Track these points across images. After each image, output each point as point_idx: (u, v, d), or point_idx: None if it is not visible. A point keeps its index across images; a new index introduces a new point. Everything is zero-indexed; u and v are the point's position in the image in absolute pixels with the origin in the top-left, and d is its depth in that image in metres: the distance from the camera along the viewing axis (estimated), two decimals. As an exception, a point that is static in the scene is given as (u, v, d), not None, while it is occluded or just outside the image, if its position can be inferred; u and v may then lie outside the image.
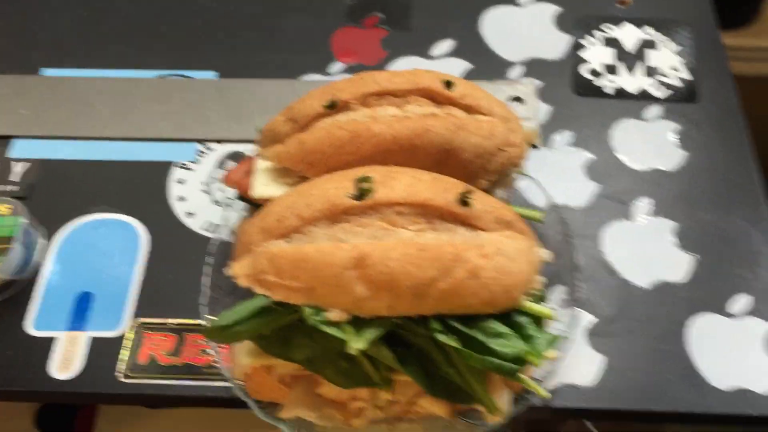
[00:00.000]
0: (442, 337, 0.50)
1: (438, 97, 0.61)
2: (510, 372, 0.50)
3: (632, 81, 0.81)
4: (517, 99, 0.80)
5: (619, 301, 0.66)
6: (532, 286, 0.53)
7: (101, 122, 0.80)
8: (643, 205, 0.72)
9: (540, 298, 0.55)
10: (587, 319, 0.66)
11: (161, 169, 0.77)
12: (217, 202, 0.74)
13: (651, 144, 0.76)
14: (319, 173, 0.59)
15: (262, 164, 0.63)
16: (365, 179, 0.52)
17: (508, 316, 0.52)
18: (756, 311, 0.65)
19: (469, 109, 0.62)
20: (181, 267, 0.70)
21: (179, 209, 0.74)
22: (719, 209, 0.71)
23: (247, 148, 0.77)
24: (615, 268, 0.68)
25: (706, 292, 0.67)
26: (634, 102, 0.79)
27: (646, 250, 0.69)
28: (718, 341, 0.64)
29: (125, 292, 0.68)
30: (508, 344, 0.50)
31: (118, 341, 0.66)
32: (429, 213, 0.52)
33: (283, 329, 0.52)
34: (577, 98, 0.80)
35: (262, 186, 0.61)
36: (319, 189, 0.53)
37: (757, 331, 0.64)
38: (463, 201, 0.52)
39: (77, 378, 0.64)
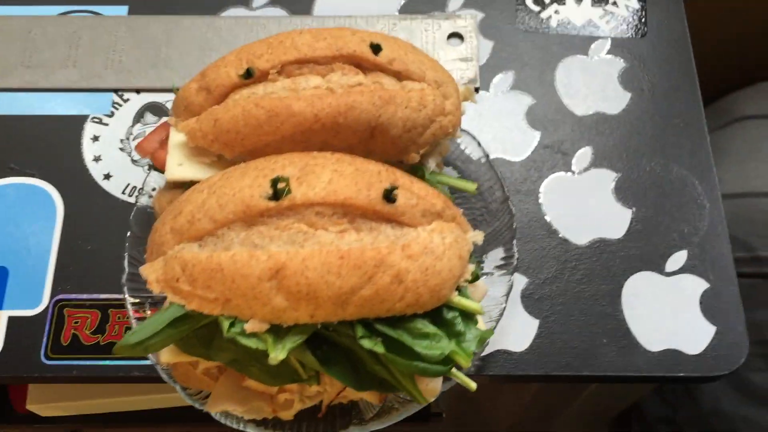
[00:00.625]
0: (366, 342, 0.48)
1: (364, 63, 0.56)
2: (437, 374, 0.48)
3: (579, 11, 0.76)
4: (457, 35, 0.75)
5: (557, 262, 0.65)
6: (463, 279, 0.51)
7: None
8: (583, 155, 0.69)
9: (476, 276, 0.53)
10: (523, 282, 0.64)
11: (73, 124, 0.71)
12: (135, 162, 0.69)
13: (595, 85, 0.72)
14: (235, 153, 0.55)
15: (176, 137, 0.58)
16: (281, 179, 0.48)
17: (437, 311, 0.50)
18: (693, 268, 0.64)
19: (398, 75, 0.57)
20: (101, 236, 0.66)
21: (95, 171, 0.69)
22: (661, 157, 0.69)
23: (166, 98, 0.72)
24: (553, 225, 0.66)
25: (643, 249, 0.65)
26: (579, 38, 0.74)
27: (585, 205, 0.67)
28: (653, 301, 0.63)
29: (43, 267, 0.65)
30: (434, 346, 0.48)
31: (38, 319, 0.63)
32: (351, 212, 0.48)
33: (203, 330, 0.50)
34: (521, 33, 0.75)
35: (177, 166, 0.57)
36: (232, 187, 0.49)
37: (693, 289, 0.64)
38: (388, 197, 0.49)
39: (-2, 361, 0.62)
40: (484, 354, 0.60)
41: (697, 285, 0.64)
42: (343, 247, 0.47)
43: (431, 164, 0.60)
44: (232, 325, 0.47)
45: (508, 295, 0.60)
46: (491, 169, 0.65)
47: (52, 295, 0.64)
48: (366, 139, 0.55)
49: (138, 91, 0.72)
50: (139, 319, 0.58)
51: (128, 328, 0.62)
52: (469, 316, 0.51)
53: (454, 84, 0.59)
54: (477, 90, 0.72)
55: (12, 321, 0.63)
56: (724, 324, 0.62)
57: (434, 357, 0.48)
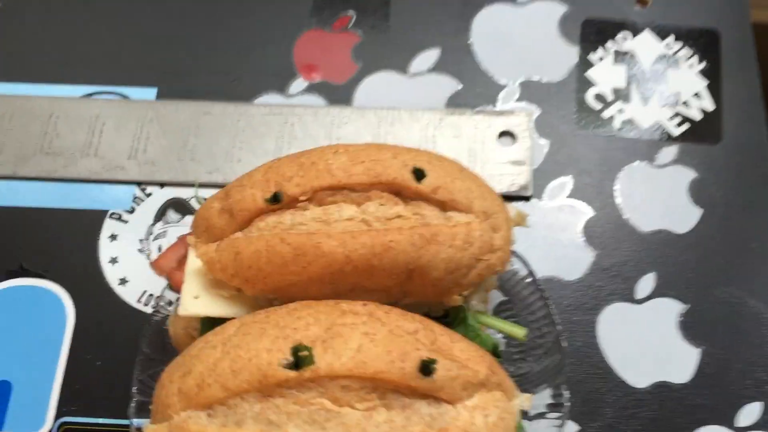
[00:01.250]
0: None
1: (405, 191, 0.50)
2: None
3: (646, 112, 0.68)
4: (509, 134, 0.68)
5: (612, 408, 0.58)
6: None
7: (11, 156, 0.68)
8: (646, 281, 0.62)
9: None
10: (573, 430, 0.57)
11: (91, 219, 0.66)
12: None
13: (661, 198, 0.65)
14: (257, 290, 0.50)
15: (194, 262, 0.52)
16: (303, 348, 0.42)
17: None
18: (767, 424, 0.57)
19: (442, 206, 0.50)
20: (112, 351, 0.61)
21: (111, 274, 0.64)
22: (734, 287, 0.62)
23: (190, 195, 0.66)
24: (610, 363, 0.59)
25: (712, 398, 0.58)
26: (645, 142, 0.67)
27: (647, 341, 0.60)
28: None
29: (49, 383, 0.60)
30: None
31: (40, 447, 0.58)
32: (382, 387, 0.42)
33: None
34: (580, 132, 0.68)
35: (192, 299, 0.51)
36: (248, 349, 0.43)
37: (771, 448, 0.56)
38: (425, 369, 0.42)
39: (-6, 491, 0.56)
40: None
41: (773, 443, 0.56)
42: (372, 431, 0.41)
43: (475, 303, 0.54)
44: None
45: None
46: (542, 299, 0.58)
47: (57, 417, 0.58)
48: (402, 281, 0.49)
49: (162, 185, 0.67)
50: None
51: (135, 462, 0.57)
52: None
53: (504, 213, 0.52)
54: (529, 198, 0.65)
55: (12, 446, 0.58)
56: (804, 495, 0.54)
57: None
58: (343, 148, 0.52)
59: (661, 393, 0.58)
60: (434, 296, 0.50)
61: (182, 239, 0.55)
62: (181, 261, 0.55)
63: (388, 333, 0.44)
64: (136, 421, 0.54)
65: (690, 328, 0.60)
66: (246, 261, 0.49)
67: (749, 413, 0.57)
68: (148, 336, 0.58)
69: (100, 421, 0.59)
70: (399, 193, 0.50)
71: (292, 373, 0.42)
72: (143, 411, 0.55)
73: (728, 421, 0.57)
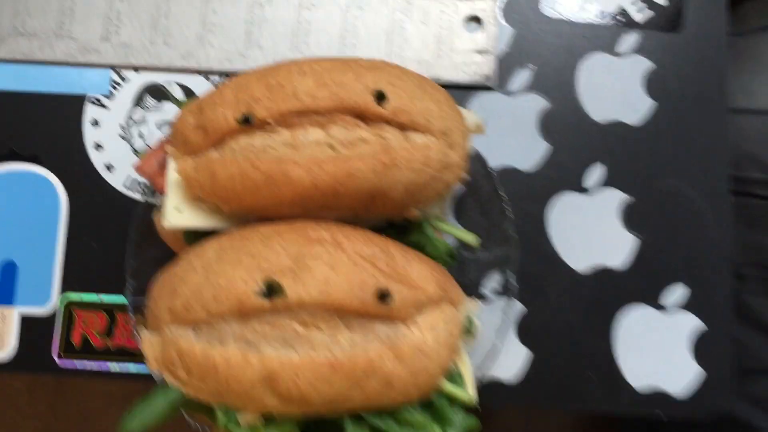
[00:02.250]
0: (354, 433, 0.51)
1: (367, 114, 0.53)
2: (420, 462, 0.52)
3: (612, -4, 0.69)
4: (476, 19, 0.69)
5: (555, 290, 0.65)
6: (453, 365, 0.52)
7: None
8: (596, 172, 0.67)
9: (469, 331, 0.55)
10: (519, 310, 0.65)
11: (72, 104, 0.69)
12: (136, 152, 0.68)
13: (618, 88, 0.68)
14: (232, 209, 0.55)
15: (174, 174, 0.57)
16: (274, 281, 0.48)
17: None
18: (690, 305, 0.65)
19: (403, 127, 0.54)
20: (105, 234, 0.67)
21: (97, 161, 0.68)
22: (676, 179, 0.67)
23: (165, 79, 0.69)
24: (557, 249, 0.66)
25: (643, 282, 0.65)
26: (608, 28, 0.69)
27: (592, 229, 0.66)
28: (646, 339, 0.65)
29: (51, 262, 0.66)
30: (418, 437, 0.51)
31: (49, 320, 0.66)
32: (344, 312, 0.49)
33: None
34: (545, 20, 0.69)
35: (175, 212, 0.56)
36: (226, 277, 0.49)
37: (688, 328, 0.65)
38: (381, 296, 0.49)
39: (14, 359, 0.65)
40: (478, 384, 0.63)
41: (692, 324, 0.65)
42: (335, 351, 0.48)
43: (432, 211, 0.59)
44: (226, 415, 0.50)
45: (502, 333, 0.62)
46: (497, 193, 0.63)
47: (61, 294, 0.66)
48: (366, 202, 0.54)
49: (137, 69, 0.69)
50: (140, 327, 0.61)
51: (134, 335, 0.65)
52: (457, 402, 0.53)
53: (461, 128, 0.56)
54: (492, 88, 0.68)
55: (24, 319, 0.65)
56: (713, 369, 0.64)
57: (418, 448, 0.51)
58: (308, 67, 0.55)
59: (599, 276, 0.65)
60: (395, 212, 0.55)
61: (161, 144, 0.59)
62: (162, 165, 0.59)
63: (349, 263, 0.50)
64: (131, 303, 0.62)
65: (631, 217, 0.66)
66: (221, 183, 0.53)
67: (674, 295, 0.65)
68: (137, 224, 0.63)
69: (100, 297, 0.66)
70: (362, 116, 0.54)
71: (266, 302, 0.48)
72: (137, 293, 0.62)
73: (656, 301, 0.65)
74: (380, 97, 0.53)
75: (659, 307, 0.65)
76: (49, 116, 0.68)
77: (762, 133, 0.86)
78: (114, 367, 0.65)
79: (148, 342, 0.51)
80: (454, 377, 0.53)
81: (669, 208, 0.66)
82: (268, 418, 0.50)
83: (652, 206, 0.66)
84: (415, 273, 0.51)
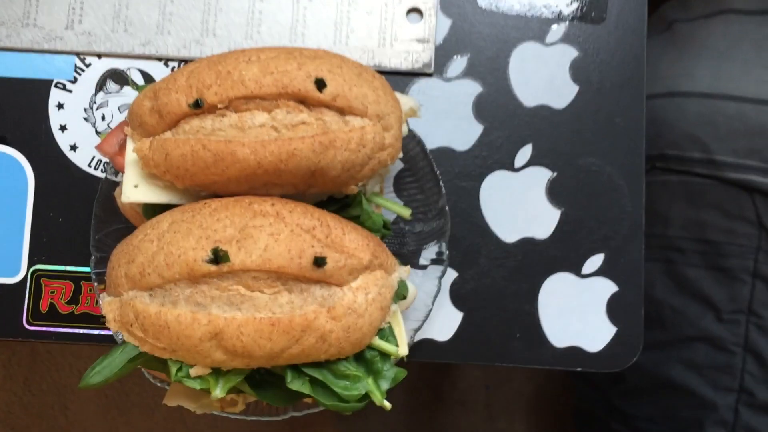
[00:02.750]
0: (294, 384, 0.57)
1: (309, 100, 0.59)
2: (352, 410, 0.58)
3: (542, -12, 0.75)
4: (416, 10, 0.75)
5: (486, 259, 0.72)
6: (384, 323, 0.58)
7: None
8: (524, 151, 0.73)
9: (402, 297, 0.61)
10: (452, 276, 0.71)
11: (38, 88, 0.73)
12: (99, 134, 0.73)
13: (546, 75, 0.74)
14: (185, 185, 0.60)
15: (132, 154, 0.62)
16: (221, 249, 0.54)
17: (359, 352, 0.58)
18: (606, 272, 0.72)
19: (341, 111, 0.60)
20: (70, 210, 0.72)
21: (62, 141, 0.73)
22: (596, 157, 0.73)
23: (127, 65, 0.74)
24: (488, 222, 0.72)
25: (565, 251, 0.72)
26: (538, 20, 0.75)
27: (519, 203, 0.72)
28: (566, 301, 0.71)
29: (20, 237, 0.71)
30: (353, 387, 0.57)
31: (18, 288, 0.71)
32: (284, 277, 0.55)
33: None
34: (480, 12, 0.75)
35: (133, 188, 0.61)
36: (178, 246, 0.55)
37: (603, 291, 0.71)
38: (317, 262, 0.55)
39: (-16, 324, 0.70)
40: (412, 343, 0.69)
41: (607, 288, 0.71)
42: (276, 311, 0.54)
43: (372, 186, 0.65)
44: (179, 369, 0.56)
45: (435, 297, 0.68)
46: (432, 171, 0.69)
47: (29, 265, 0.71)
48: (307, 179, 0.59)
49: (99, 56, 0.74)
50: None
51: (98, 301, 0.70)
52: (387, 356, 0.59)
53: (397, 112, 0.62)
54: (431, 74, 0.74)
55: (-5, 288, 0.71)
56: (624, 325, 0.71)
57: (352, 397, 0.57)
58: (255, 56, 0.60)
59: (525, 246, 0.72)
60: (334, 188, 0.61)
61: (120, 125, 0.64)
62: (122, 146, 0.64)
63: (289, 233, 0.55)
64: (95, 272, 0.67)
65: (555, 192, 0.72)
66: (174, 162, 0.59)
67: (593, 262, 0.72)
68: (100, 201, 0.68)
69: (66, 268, 0.71)
70: (303, 101, 0.59)
71: (213, 268, 0.54)
72: (100, 264, 0.67)
73: (576, 269, 0.72)
74: (320, 83, 0.59)
75: (579, 273, 0.71)
76: (17, 100, 0.73)
77: (702, 114, 0.92)
78: (78, 331, 0.70)
79: (107, 305, 0.57)
80: (386, 334, 0.59)
81: (589, 184, 0.72)
82: (217, 371, 0.56)
83: (574, 182, 0.72)
84: (349, 242, 0.57)
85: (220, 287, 0.54)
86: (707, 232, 0.94)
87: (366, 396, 0.58)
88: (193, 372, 0.55)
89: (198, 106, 0.58)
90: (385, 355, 0.59)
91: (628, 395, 0.98)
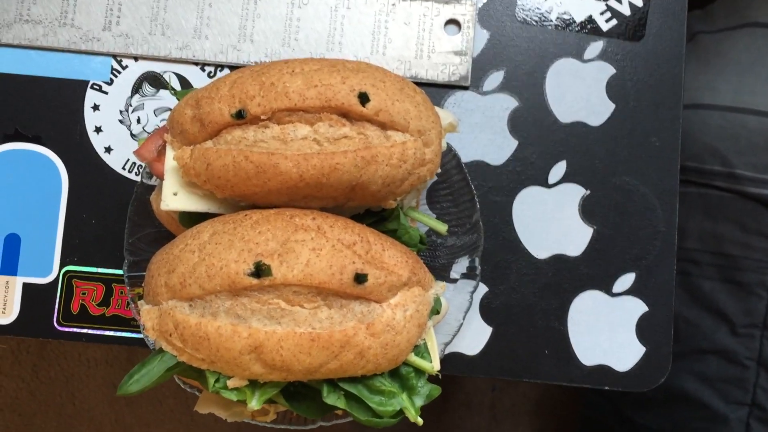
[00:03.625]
0: (330, 399, 0.57)
1: (351, 114, 0.59)
2: (387, 425, 0.58)
3: (581, 5, 0.75)
4: (455, 22, 0.75)
5: (517, 275, 0.72)
6: (420, 339, 0.59)
7: None
8: (558, 168, 0.73)
9: (436, 311, 0.61)
10: (483, 291, 0.71)
11: (75, 89, 0.73)
12: (134, 137, 0.73)
13: (582, 92, 0.74)
14: (225, 195, 0.60)
15: (172, 162, 0.62)
16: (263, 263, 0.54)
17: (395, 368, 0.59)
18: (637, 291, 0.72)
19: (383, 126, 0.60)
20: (104, 212, 0.72)
21: (97, 142, 0.73)
22: (630, 176, 0.73)
23: (163, 69, 0.74)
24: (520, 237, 0.72)
25: (596, 269, 0.72)
26: (576, 35, 0.74)
27: (552, 220, 0.72)
28: (596, 319, 0.71)
29: (53, 237, 0.71)
30: (387, 403, 0.58)
31: (50, 288, 0.71)
32: (324, 292, 0.55)
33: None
34: (518, 25, 0.75)
35: (172, 196, 0.61)
36: (220, 258, 0.55)
37: (633, 311, 0.71)
38: (358, 279, 0.55)
39: (17, 324, 0.71)
40: (442, 357, 0.69)
41: (637, 307, 0.71)
42: (315, 326, 0.54)
43: (409, 201, 0.65)
44: (216, 380, 0.56)
45: (467, 312, 0.68)
46: (467, 185, 0.69)
47: (61, 266, 0.71)
48: (347, 193, 0.59)
49: (136, 58, 0.74)
50: (135, 299, 0.67)
51: (129, 304, 0.71)
52: (422, 372, 0.59)
53: (437, 128, 0.62)
54: (467, 88, 0.74)
55: (27, 287, 0.71)
56: (653, 345, 0.71)
57: (387, 413, 0.57)
58: (299, 68, 0.60)
59: (556, 263, 0.72)
60: (373, 202, 0.61)
61: (159, 131, 0.64)
62: (160, 152, 0.64)
63: (330, 248, 0.55)
64: (128, 276, 0.67)
65: (588, 210, 0.72)
66: (216, 172, 0.59)
67: (624, 282, 0.72)
68: (135, 205, 0.68)
69: (98, 270, 0.71)
70: (346, 115, 0.59)
71: (255, 281, 0.54)
72: (133, 268, 0.68)
73: (607, 287, 0.72)
74: (364, 98, 0.59)
75: (609, 292, 0.71)
76: (53, 100, 0.73)
77: (723, 128, 0.92)
78: (109, 333, 0.71)
79: (146, 313, 0.57)
80: (421, 351, 0.59)
81: (623, 202, 0.72)
82: (253, 383, 0.56)
83: (607, 201, 0.72)
84: (389, 258, 0.57)
85: (261, 300, 0.54)
86: (724, 246, 0.94)
87: (400, 412, 0.58)
88: (230, 384, 0.56)
89: (241, 117, 0.58)
90: (419, 372, 0.59)
91: (640, 406, 0.98)
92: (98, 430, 1.64)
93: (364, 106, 0.59)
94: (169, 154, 0.62)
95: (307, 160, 0.57)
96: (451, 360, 0.70)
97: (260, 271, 0.54)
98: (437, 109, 0.64)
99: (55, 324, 0.70)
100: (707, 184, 0.93)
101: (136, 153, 0.65)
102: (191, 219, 0.62)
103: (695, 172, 0.95)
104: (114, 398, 1.63)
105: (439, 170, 0.63)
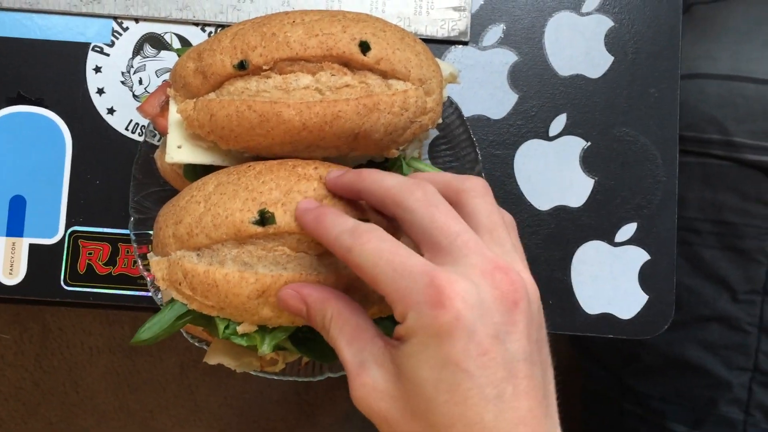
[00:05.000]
0: (338, 343, 0.58)
1: (353, 63, 0.59)
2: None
3: (578, -42, 0.75)
4: (452, -23, 0.75)
5: (520, 227, 0.71)
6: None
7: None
8: (559, 120, 0.73)
9: None
10: (487, 244, 0.72)
11: (76, 51, 0.74)
12: (136, 97, 0.74)
13: (581, 45, 0.74)
14: (230, 146, 0.60)
15: (175, 115, 0.62)
16: (267, 211, 0.54)
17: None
18: (638, 240, 0.72)
19: (384, 74, 0.60)
20: (108, 172, 0.72)
21: (99, 104, 0.73)
22: (630, 127, 0.73)
23: (164, 30, 0.74)
24: (522, 190, 0.73)
25: (598, 219, 0.72)
26: (574, -12, 0.75)
27: (553, 172, 0.73)
28: (599, 269, 0.72)
29: (57, 198, 0.72)
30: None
31: (56, 248, 0.72)
32: (326, 241, 0.55)
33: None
34: (517, -21, 0.75)
35: (176, 149, 0.62)
36: (225, 208, 0.55)
37: (635, 260, 0.72)
38: (362, 225, 0.55)
39: (24, 284, 0.71)
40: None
41: (639, 256, 0.72)
42: (322, 270, 0.55)
43: (411, 151, 0.65)
44: (226, 327, 0.56)
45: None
46: (469, 138, 0.70)
47: (67, 226, 0.72)
48: (350, 141, 0.60)
49: (137, 20, 0.74)
50: (143, 257, 0.67)
51: (135, 262, 0.71)
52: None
53: (438, 77, 0.62)
54: (466, 43, 0.74)
55: (33, 248, 0.71)
56: (656, 293, 0.71)
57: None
58: (299, 18, 0.60)
59: (558, 214, 0.72)
60: (376, 151, 0.62)
61: (162, 86, 0.64)
62: (163, 107, 0.64)
63: (332, 198, 0.56)
64: (134, 233, 0.68)
65: (589, 161, 0.73)
66: (219, 122, 0.59)
67: (626, 231, 0.72)
68: (139, 163, 0.69)
69: (104, 230, 0.72)
70: (347, 64, 0.60)
71: (260, 229, 0.54)
72: (139, 225, 0.68)
73: (609, 237, 0.72)
74: (364, 46, 0.59)
75: (611, 241, 0.72)
76: (54, 62, 0.73)
77: (722, 96, 0.93)
78: (116, 292, 0.71)
79: (156, 264, 0.57)
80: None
81: (623, 153, 0.73)
82: (263, 329, 0.57)
83: (608, 152, 0.73)
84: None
85: (266, 248, 0.55)
86: (724, 214, 0.94)
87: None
88: (240, 329, 0.56)
89: (243, 68, 0.59)
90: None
91: (642, 375, 0.99)
92: (102, 417, 1.65)
93: (365, 54, 0.59)
94: (173, 108, 0.63)
95: (310, 108, 0.58)
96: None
97: (264, 219, 0.54)
98: (438, 60, 0.64)
99: (62, 284, 0.71)
100: (706, 153, 0.94)
101: (140, 109, 0.65)
102: (196, 172, 0.63)
103: (694, 142, 0.95)
104: (117, 386, 1.64)
105: (440, 121, 0.63)
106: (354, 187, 0.53)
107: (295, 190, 0.56)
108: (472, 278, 0.43)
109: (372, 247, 0.46)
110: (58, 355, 1.63)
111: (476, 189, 0.50)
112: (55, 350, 1.62)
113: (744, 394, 0.90)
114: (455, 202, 0.50)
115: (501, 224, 0.49)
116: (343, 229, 0.48)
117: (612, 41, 0.74)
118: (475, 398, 0.42)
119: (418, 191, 0.48)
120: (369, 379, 0.46)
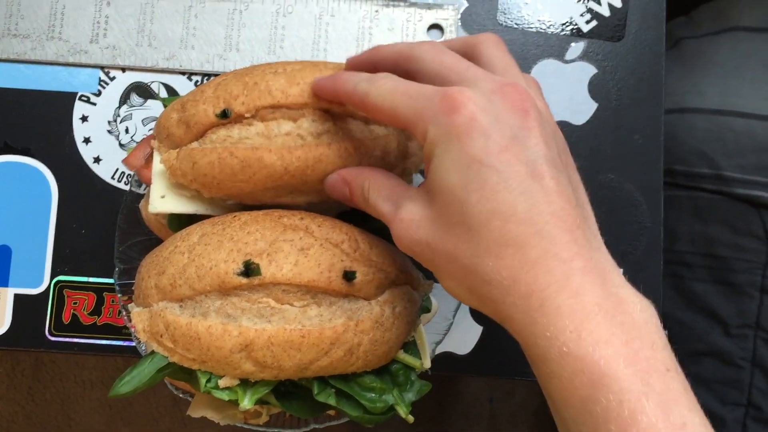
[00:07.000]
0: (321, 396, 0.57)
1: (334, 108, 0.60)
2: (378, 421, 0.58)
3: (561, 7, 0.76)
4: (438, 27, 0.76)
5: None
6: (409, 336, 0.59)
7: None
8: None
9: (426, 309, 0.61)
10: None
11: (63, 101, 0.74)
12: (123, 146, 0.74)
13: (565, 92, 0.75)
14: (213, 194, 0.60)
15: (159, 165, 0.62)
16: (252, 262, 0.54)
17: (384, 366, 0.59)
18: (626, 287, 0.72)
19: (366, 120, 0.60)
20: (94, 222, 0.72)
21: (86, 153, 0.73)
22: (614, 173, 0.74)
23: (150, 79, 0.75)
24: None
25: (585, 265, 0.72)
26: (558, 37, 0.76)
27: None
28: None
29: (43, 248, 0.72)
30: (378, 399, 0.58)
31: (41, 298, 0.71)
32: (314, 290, 0.55)
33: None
34: (501, 29, 0.76)
35: (160, 199, 0.62)
36: (209, 259, 0.55)
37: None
38: (346, 276, 0.55)
39: (9, 335, 0.71)
40: (433, 356, 0.69)
41: (627, 302, 0.71)
42: (305, 323, 0.55)
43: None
44: (207, 380, 0.56)
45: (456, 311, 0.68)
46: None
47: (52, 276, 0.71)
48: (332, 188, 0.60)
49: (123, 69, 0.75)
50: (126, 308, 0.67)
51: (120, 312, 0.71)
52: (411, 369, 0.60)
53: (420, 124, 0.62)
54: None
55: (18, 298, 0.71)
56: (644, 340, 0.71)
57: (378, 409, 0.57)
58: (281, 68, 0.61)
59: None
60: (359, 197, 0.62)
61: (146, 139, 0.64)
62: (148, 159, 0.65)
63: (319, 247, 0.56)
64: (119, 284, 0.67)
65: (575, 207, 0.73)
66: (202, 170, 0.59)
67: (612, 277, 0.72)
68: (125, 213, 0.69)
69: (89, 279, 0.72)
70: (328, 110, 0.60)
71: (244, 280, 0.54)
72: (124, 276, 0.68)
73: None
74: (346, 95, 0.59)
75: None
76: (41, 112, 0.74)
77: (710, 130, 0.94)
78: (101, 342, 0.71)
79: (137, 315, 0.57)
80: (411, 348, 0.59)
81: (608, 200, 0.73)
82: (245, 382, 0.56)
83: (592, 198, 0.72)
84: (376, 256, 0.58)
85: (251, 299, 0.55)
86: (715, 248, 0.95)
87: (391, 408, 0.58)
88: (222, 383, 0.56)
89: (225, 116, 0.59)
90: (409, 369, 0.59)
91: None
92: (95, 450, 1.64)
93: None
94: (156, 158, 0.63)
95: (291, 152, 0.58)
96: (442, 360, 0.71)
97: (249, 270, 0.54)
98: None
99: (47, 334, 0.70)
100: (696, 186, 0.94)
101: (125, 161, 0.65)
102: (180, 222, 0.63)
103: (683, 176, 0.96)
104: (110, 419, 1.62)
105: (422, 166, 0.63)
106: (371, 59, 0.56)
107: (280, 240, 0.55)
108: (482, 92, 0.46)
109: (388, 85, 0.49)
110: (50, 388, 1.61)
111: (489, 39, 0.54)
112: (47, 383, 1.61)
113: (738, 430, 0.90)
114: (471, 56, 0.53)
115: (515, 65, 0.53)
116: (360, 78, 0.52)
117: (595, 88, 0.75)
118: (504, 192, 0.44)
119: (426, 44, 0.52)
120: (405, 214, 0.49)
